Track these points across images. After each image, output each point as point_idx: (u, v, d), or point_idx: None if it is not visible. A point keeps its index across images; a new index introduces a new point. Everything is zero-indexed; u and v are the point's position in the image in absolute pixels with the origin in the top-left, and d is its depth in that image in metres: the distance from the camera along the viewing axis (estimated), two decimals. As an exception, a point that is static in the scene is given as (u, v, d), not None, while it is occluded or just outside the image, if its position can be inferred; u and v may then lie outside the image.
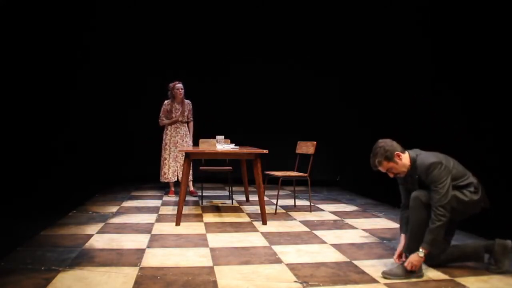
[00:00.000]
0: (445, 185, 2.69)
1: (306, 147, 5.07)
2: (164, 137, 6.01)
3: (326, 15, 7.04)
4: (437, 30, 4.53)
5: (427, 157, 2.80)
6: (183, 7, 7.11)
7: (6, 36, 4.37)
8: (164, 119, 5.98)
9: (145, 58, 7.18)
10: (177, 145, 5.90)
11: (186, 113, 5.99)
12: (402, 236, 2.99)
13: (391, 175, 2.88)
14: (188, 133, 6.05)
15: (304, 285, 2.62)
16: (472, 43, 4.02)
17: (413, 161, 2.83)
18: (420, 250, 2.71)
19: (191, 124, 6.06)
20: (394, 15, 5.50)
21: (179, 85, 5.92)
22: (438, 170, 2.71)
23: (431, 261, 2.93)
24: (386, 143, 2.81)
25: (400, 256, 2.90)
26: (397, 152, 2.79)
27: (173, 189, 5.99)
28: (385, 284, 2.66)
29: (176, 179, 5.92)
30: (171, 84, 5.96)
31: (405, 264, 2.75)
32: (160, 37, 7.14)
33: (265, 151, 4.32)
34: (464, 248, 3.00)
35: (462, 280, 2.73)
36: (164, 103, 6.00)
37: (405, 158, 2.82)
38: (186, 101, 6.02)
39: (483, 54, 3.88)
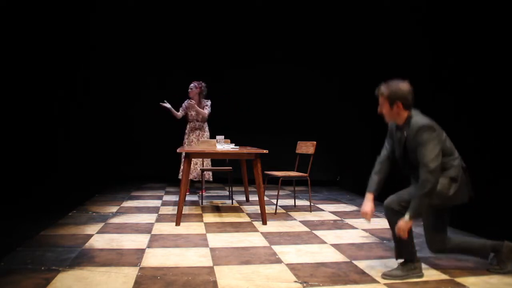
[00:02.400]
0: (434, 149, 2.58)
1: (306, 147, 5.07)
2: (184, 137, 6.10)
3: (326, 15, 7.04)
4: (437, 29, 4.53)
5: (423, 118, 2.70)
6: (183, 8, 7.11)
7: (5, 37, 4.37)
8: (182, 112, 6.01)
9: (145, 59, 7.18)
10: (192, 144, 5.97)
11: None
12: (368, 195, 2.87)
13: (379, 111, 2.82)
14: (206, 131, 6.08)
15: (304, 285, 2.62)
16: (472, 42, 4.02)
17: (408, 118, 2.72)
18: (406, 216, 2.60)
19: (203, 111, 5.88)
20: (394, 14, 5.50)
21: (191, 85, 5.94)
22: (428, 134, 2.61)
23: (436, 248, 2.87)
24: (403, 88, 2.70)
25: (369, 214, 2.82)
26: (399, 103, 2.69)
27: (188, 187, 6.04)
28: (385, 284, 2.66)
29: (192, 178, 6.02)
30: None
31: (396, 233, 2.65)
32: (161, 37, 7.14)
33: (265, 151, 4.32)
34: (471, 242, 2.94)
35: (462, 280, 2.73)
36: (187, 100, 6.03)
37: (402, 114, 2.73)
38: (205, 101, 6.00)
39: (483, 53, 3.88)
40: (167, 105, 5.84)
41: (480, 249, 2.90)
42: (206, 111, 5.93)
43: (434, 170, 2.56)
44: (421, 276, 2.76)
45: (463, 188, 2.74)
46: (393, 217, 2.75)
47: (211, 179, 6.27)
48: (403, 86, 2.73)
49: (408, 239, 2.73)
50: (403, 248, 2.78)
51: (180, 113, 6.03)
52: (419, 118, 2.70)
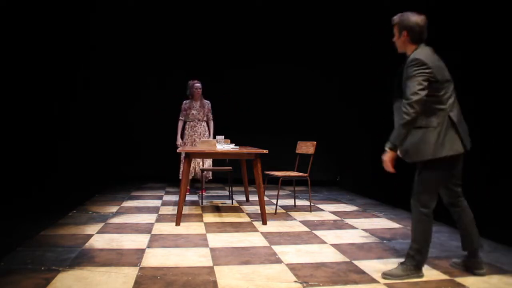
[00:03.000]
0: (420, 84, 2.57)
1: (306, 147, 5.07)
2: (184, 137, 6.12)
3: (326, 15, 7.04)
4: (437, 29, 4.52)
5: (422, 53, 2.68)
6: (183, 8, 7.11)
7: (6, 37, 4.37)
8: (182, 118, 6.08)
9: (145, 59, 7.18)
10: (195, 143, 6.00)
11: (205, 111, 6.08)
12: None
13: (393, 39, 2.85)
14: (206, 132, 6.13)
15: (304, 285, 2.62)
16: (472, 42, 4.01)
17: (414, 51, 2.73)
18: (386, 147, 2.68)
19: (211, 123, 6.13)
20: (394, 14, 5.49)
21: (198, 85, 6.01)
22: (416, 67, 2.60)
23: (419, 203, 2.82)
24: (413, 19, 2.72)
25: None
26: (405, 32, 2.73)
27: (188, 187, 6.07)
28: (385, 284, 2.66)
29: (192, 176, 6.07)
30: (190, 82, 6.06)
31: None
32: (161, 37, 7.14)
33: (265, 151, 4.32)
34: (472, 232, 2.83)
35: (462, 280, 2.73)
36: (183, 102, 6.10)
37: (408, 45, 2.76)
38: (206, 101, 6.11)
39: (483, 53, 3.88)
40: (180, 141, 6.02)
41: (465, 237, 2.84)
42: (211, 119, 6.11)
43: (414, 103, 2.56)
44: (421, 276, 2.76)
45: (445, 142, 2.66)
46: (413, 214, 2.76)
47: (210, 177, 6.28)
48: (414, 17, 2.75)
49: (426, 244, 2.74)
50: (422, 251, 2.76)
51: (181, 122, 6.09)
52: (419, 52, 2.68)
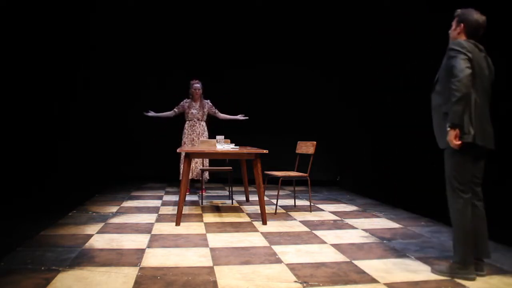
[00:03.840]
0: (464, 63, 2.63)
1: (306, 147, 5.07)
2: (182, 137, 6.13)
3: (326, 15, 7.04)
4: (437, 29, 4.53)
5: (464, 41, 2.76)
6: (183, 8, 7.11)
7: (6, 37, 4.37)
8: (176, 110, 6.14)
9: (145, 59, 7.18)
10: (193, 143, 6.00)
11: (205, 111, 6.11)
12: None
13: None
14: (205, 131, 6.14)
15: (304, 285, 2.62)
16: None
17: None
18: (447, 127, 2.69)
19: (222, 114, 6.19)
20: (394, 14, 5.50)
21: (196, 85, 6.07)
22: (459, 49, 2.68)
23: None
24: (474, 15, 2.80)
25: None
26: (463, 25, 2.81)
27: (187, 187, 6.08)
28: (385, 284, 2.66)
29: (192, 177, 6.08)
30: (191, 82, 6.11)
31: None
32: (161, 37, 7.14)
33: (265, 151, 4.32)
34: (481, 232, 2.85)
35: (462, 280, 2.72)
36: (184, 100, 6.16)
37: (461, 37, 2.83)
38: (205, 101, 6.15)
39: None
40: (151, 113, 6.05)
41: (475, 245, 2.83)
42: (219, 112, 6.20)
43: (463, 78, 2.62)
44: (472, 279, 2.71)
45: (471, 125, 2.71)
46: (448, 194, 2.80)
47: (207, 178, 6.29)
48: (476, 14, 2.83)
49: (461, 233, 2.76)
50: (458, 240, 2.77)
51: (172, 112, 6.13)
52: (464, 40, 2.78)
